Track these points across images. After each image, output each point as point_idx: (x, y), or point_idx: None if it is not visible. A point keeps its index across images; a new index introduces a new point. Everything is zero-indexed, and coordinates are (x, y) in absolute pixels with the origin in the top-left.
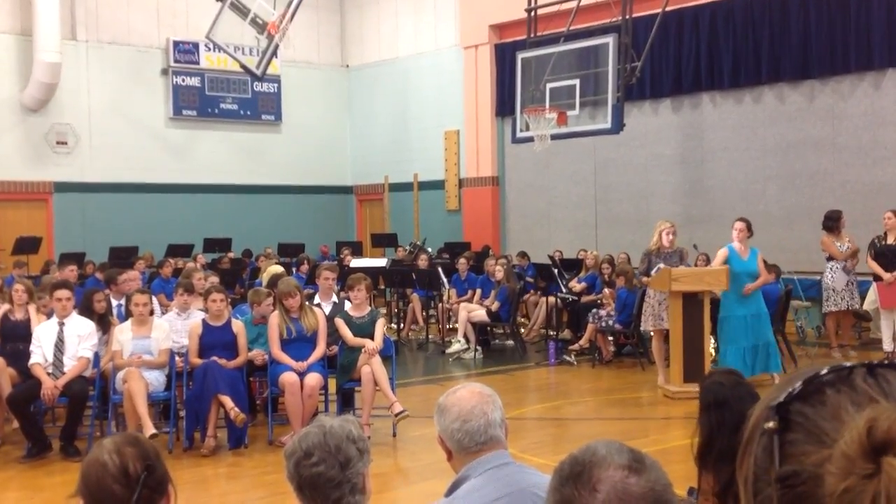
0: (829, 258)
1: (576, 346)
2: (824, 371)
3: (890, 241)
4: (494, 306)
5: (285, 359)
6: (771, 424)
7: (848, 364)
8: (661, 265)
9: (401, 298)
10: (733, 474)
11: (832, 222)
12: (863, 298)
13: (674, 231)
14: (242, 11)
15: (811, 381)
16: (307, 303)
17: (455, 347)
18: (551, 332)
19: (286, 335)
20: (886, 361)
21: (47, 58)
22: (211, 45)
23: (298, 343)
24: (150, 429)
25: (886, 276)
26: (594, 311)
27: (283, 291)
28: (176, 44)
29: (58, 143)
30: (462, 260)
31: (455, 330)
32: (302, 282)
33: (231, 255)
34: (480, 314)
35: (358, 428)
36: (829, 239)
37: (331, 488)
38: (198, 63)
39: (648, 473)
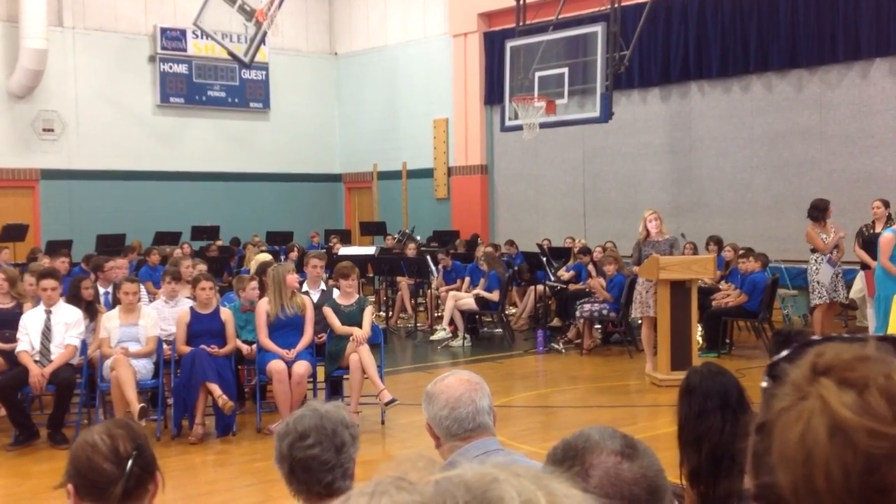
0: (814, 250)
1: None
2: (818, 337)
3: (878, 229)
4: (495, 296)
5: (273, 347)
6: (764, 384)
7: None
8: (653, 253)
9: (389, 286)
10: (700, 459)
11: (818, 212)
12: (849, 288)
13: (657, 218)
14: None
15: (802, 345)
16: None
17: (440, 335)
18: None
19: (280, 314)
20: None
21: (34, 44)
22: (198, 33)
23: (286, 330)
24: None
25: (874, 264)
26: (580, 303)
27: (287, 269)
28: (163, 31)
29: (44, 130)
30: (441, 255)
31: (442, 318)
32: None
33: (219, 242)
34: (468, 302)
35: (349, 414)
36: (814, 230)
37: (324, 471)
38: (185, 50)
39: (641, 459)
